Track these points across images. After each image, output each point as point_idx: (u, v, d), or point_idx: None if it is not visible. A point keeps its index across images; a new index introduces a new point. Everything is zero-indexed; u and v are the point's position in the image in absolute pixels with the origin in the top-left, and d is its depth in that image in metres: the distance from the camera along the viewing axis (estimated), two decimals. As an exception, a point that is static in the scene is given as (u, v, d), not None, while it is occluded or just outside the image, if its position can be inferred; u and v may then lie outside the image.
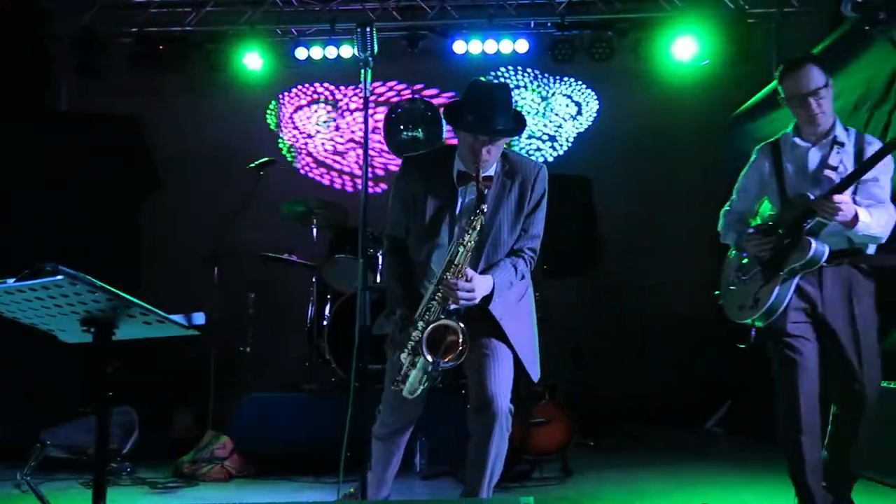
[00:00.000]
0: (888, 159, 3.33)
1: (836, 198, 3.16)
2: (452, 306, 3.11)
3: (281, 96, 8.06)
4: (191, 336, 6.48)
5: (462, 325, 3.04)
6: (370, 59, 2.90)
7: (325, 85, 8.04)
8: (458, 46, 7.35)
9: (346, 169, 8.06)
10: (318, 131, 8.04)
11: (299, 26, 7.53)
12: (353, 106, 8.05)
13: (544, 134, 8.03)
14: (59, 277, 1.84)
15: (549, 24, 7.42)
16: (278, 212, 6.29)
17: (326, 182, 8.03)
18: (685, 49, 7.14)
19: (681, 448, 6.11)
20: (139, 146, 7.60)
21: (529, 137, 8.00)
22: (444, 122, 7.54)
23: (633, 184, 7.50)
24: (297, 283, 6.61)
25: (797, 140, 3.46)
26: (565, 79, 8.02)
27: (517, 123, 3.23)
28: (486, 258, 3.24)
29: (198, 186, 7.57)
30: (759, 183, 3.58)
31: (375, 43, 2.89)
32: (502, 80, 8.04)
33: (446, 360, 3.00)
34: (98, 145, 7.20)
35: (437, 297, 3.12)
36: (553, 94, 8.07)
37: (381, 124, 7.73)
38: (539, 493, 4.69)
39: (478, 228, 3.09)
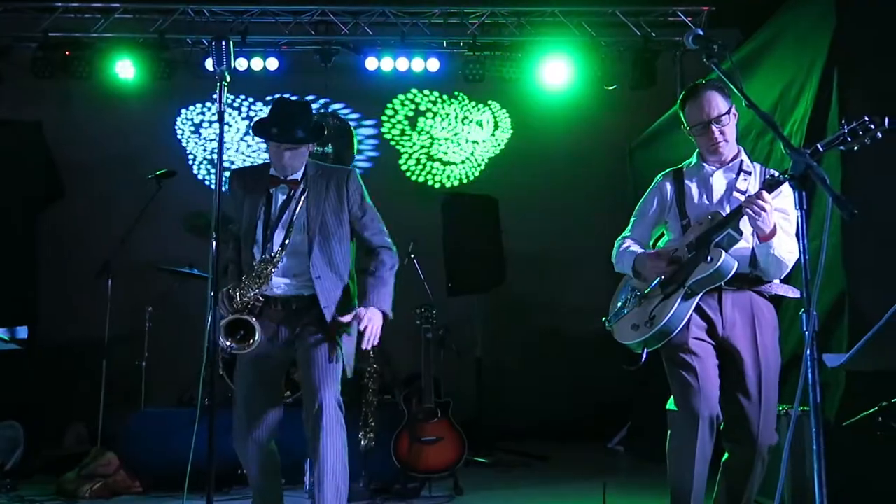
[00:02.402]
0: (792, 197, 3.11)
1: (765, 195, 3.03)
2: (251, 293, 3.41)
3: (187, 108, 7.96)
4: (85, 349, 6.31)
5: (254, 320, 3.35)
6: (226, 73, 2.88)
7: (231, 97, 7.98)
8: (371, 63, 7.36)
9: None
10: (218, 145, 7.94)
11: (210, 37, 7.44)
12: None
13: (454, 154, 8.09)
14: None
15: (461, 44, 7.47)
16: (180, 224, 6.20)
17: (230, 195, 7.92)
18: (556, 74, 7.33)
19: (579, 466, 6.18)
20: (41, 153, 7.43)
21: (429, 164, 8.06)
22: (355, 137, 7.54)
23: (540, 203, 7.59)
24: (197, 297, 6.50)
25: (702, 164, 3.38)
26: (476, 99, 8.10)
27: (315, 133, 3.57)
28: (319, 245, 3.49)
29: (99, 196, 7.42)
30: (659, 207, 3.48)
31: (232, 57, 2.86)
32: (414, 98, 8.11)
33: (235, 345, 3.35)
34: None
35: (247, 289, 3.43)
36: (464, 114, 8.13)
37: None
38: (425, 512, 4.70)
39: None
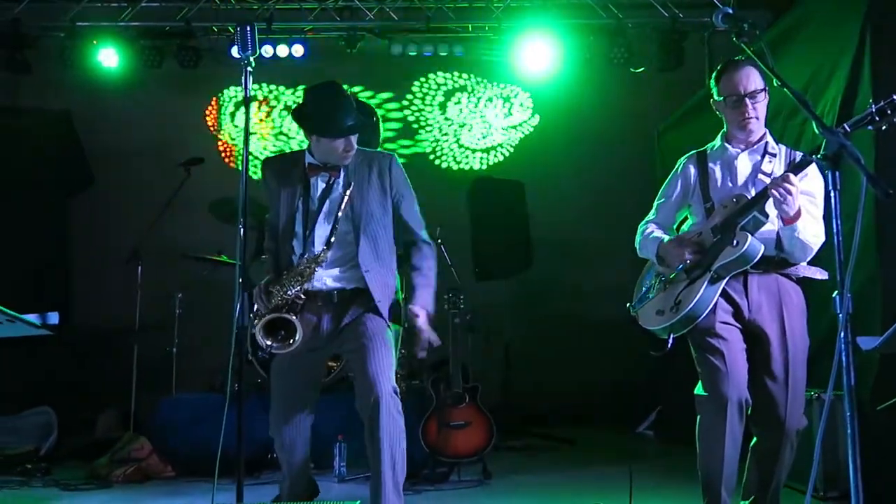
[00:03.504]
0: (820, 180, 3.18)
1: (791, 178, 3.00)
2: (292, 291, 3.31)
3: (213, 94, 7.99)
4: (117, 336, 6.41)
5: (295, 318, 3.27)
6: (251, 59, 2.86)
7: (259, 84, 8.01)
8: (396, 48, 7.34)
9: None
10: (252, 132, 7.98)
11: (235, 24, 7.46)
12: (291, 105, 8.03)
13: (481, 138, 8.06)
14: None
15: (486, 28, 7.43)
16: (207, 210, 6.25)
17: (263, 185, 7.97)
18: (583, 56, 7.25)
19: (608, 451, 6.17)
20: (71, 142, 7.51)
21: (455, 149, 8.04)
22: (381, 123, 7.53)
23: (566, 189, 7.54)
24: (226, 283, 6.56)
25: (727, 145, 3.35)
26: (503, 83, 8.06)
27: (364, 116, 3.54)
28: (366, 236, 3.42)
29: (129, 183, 7.48)
30: (682, 190, 3.44)
31: (257, 43, 2.86)
32: (439, 82, 8.08)
33: (275, 344, 3.28)
34: (29, 140, 7.11)
35: (287, 286, 3.33)
36: (490, 99, 8.10)
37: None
38: (453, 496, 4.70)
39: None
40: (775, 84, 2.61)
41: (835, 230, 2.38)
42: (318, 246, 3.40)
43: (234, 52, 7.17)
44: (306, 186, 3.46)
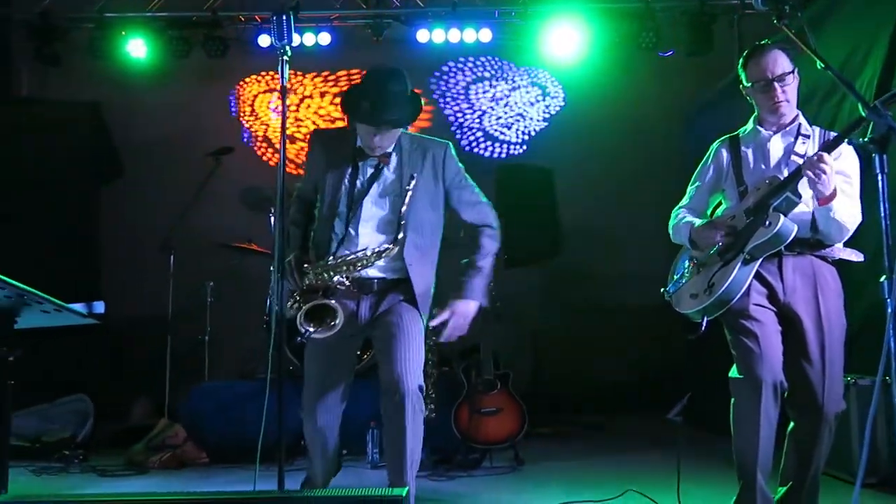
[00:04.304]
0: (855, 160, 3.21)
1: (825, 157, 2.97)
2: (339, 287, 3.26)
3: (241, 83, 8.02)
4: (149, 325, 6.46)
5: (334, 302, 3.19)
6: (288, 48, 2.85)
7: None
8: (422, 35, 7.32)
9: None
10: (273, 119, 8.02)
11: (263, 13, 7.48)
12: (316, 93, 8.04)
13: (508, 124, 8.04)
14: (-56, 266, 1.83)
15: (513, 13, 7.40)
16: (237, 199, 6.28)
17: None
18: (610, 41, 7.20)
19: (639, 438, 6.16)
20: (101, 133, 7.57)
21: (483, 135, 8.02)
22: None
23: (595, 174, 7.49)
24: (256, 272, 6.60)
25: (759, 128, 3.34)
26: (530, 68, 8.03)
27: (410, 113, 3.32)
28: (412, 229, 3.33)
29: (159, 174, 7.52)
30: (715, 175, 3.43)
31: (293, 31, 2.85)
32: (466, 69, 8.06)
33: (316, 329, 3.20)
34: (59, 132, 7.18)
35: (325, 274, 3.27)
36: (518, 85, 8.07)
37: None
38: (487, 482, 4.72)
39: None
40: (819, 66, 2.58)
41: (882, 214, 2.35)
42: (362, 230, 3.33)
43: (265, 41, 7.31)
44: (355, 166, 3.37)
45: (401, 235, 3.28)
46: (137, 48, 7.27)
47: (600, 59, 7.47)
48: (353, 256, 3.28)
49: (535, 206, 6.80)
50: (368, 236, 3.34)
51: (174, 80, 7.62)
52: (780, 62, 3.21)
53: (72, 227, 7.13)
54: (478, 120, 8.07)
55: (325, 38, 7.41)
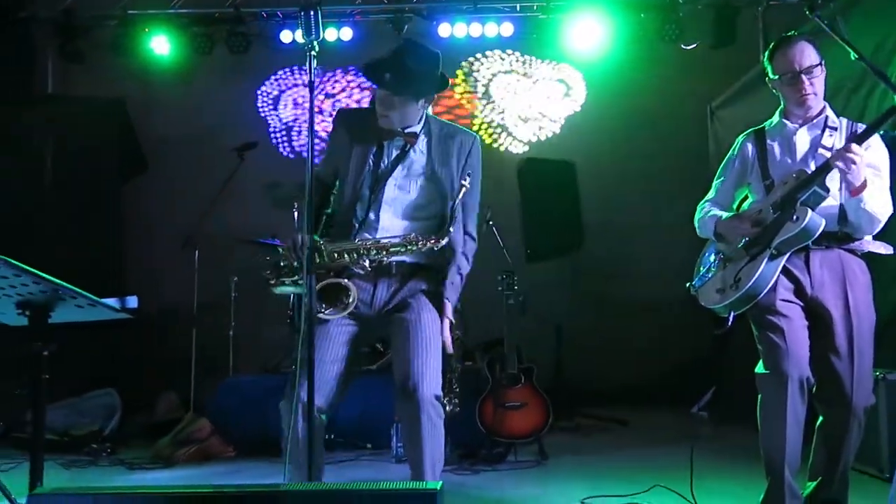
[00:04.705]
0: (885, 153, 3.18)
1: (855, 148, 2.95)
2: (359, 270, 3.09)
3: (265, 80, 8.06)
4: (175, 320, 6.49)
5: (346, 281, 3.05)
6: (316, 43, 2.84)
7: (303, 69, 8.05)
8: (443, 30, 7.33)
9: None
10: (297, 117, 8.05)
11: (286, 9, 7.51)
12: (337, 88, 8.06)
13: (531, 118, 8.02)
14: (-18, 261, 1.85)
15: (534, 7, 7.38)
16: (261, 195, 6.31)
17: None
18: (632, 34, 7.15)
19: (663, 432, 6.14)
20: (125, 129, 7.63)
21: (505, 130, 8.00)
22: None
23: (618, 168, 7.48)
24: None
25: (785, 121, 3.31)
26: (552, 62, 8.00)
27: (435, 85, 3.20)
28: (431, 209, 3.21)
29: (182, 169, 7.58)
30: (741, 168, 3.41)
31: (321, 26, 2.84)
32: (487, 63, 8.05)
33: (329, 309, 3.04)
34: (83, 129, 7.23)
35: (347, 255, 3.08)
36: (540, 79, 8.05)
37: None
38: (512, 476, 4.72)
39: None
40: (852, 57, 2.56)
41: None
42: (383, 214, 3.18)
43: (288, 36, 7.33)
44: (380, 146, 3.21)
45: (452, 228, 3.10)
46: (161, 45, 7.33)
47: (623, 53, 7.44)
48: (386, 241, 3.10)
49: (557, 201, 6.78)
50: (389, 220, 3.19)
51: (197, 76, 7.66)
52: (808, 54, 3.17)
53: (96, 222, 7.19)
54: (500, 114, 8.05)
55: (346, 34, 7.43)
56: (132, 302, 2.30)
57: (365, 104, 7.79)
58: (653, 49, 7.29)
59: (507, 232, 6.28)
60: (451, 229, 3.11)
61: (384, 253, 3.09)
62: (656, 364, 7.27)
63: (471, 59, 8.07)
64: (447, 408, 5.07)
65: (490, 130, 8.04)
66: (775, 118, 3.38)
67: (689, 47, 7.14)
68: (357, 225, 3.19)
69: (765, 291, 3.12)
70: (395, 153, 3.21)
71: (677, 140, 7.29)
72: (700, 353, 6.64)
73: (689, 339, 6.73)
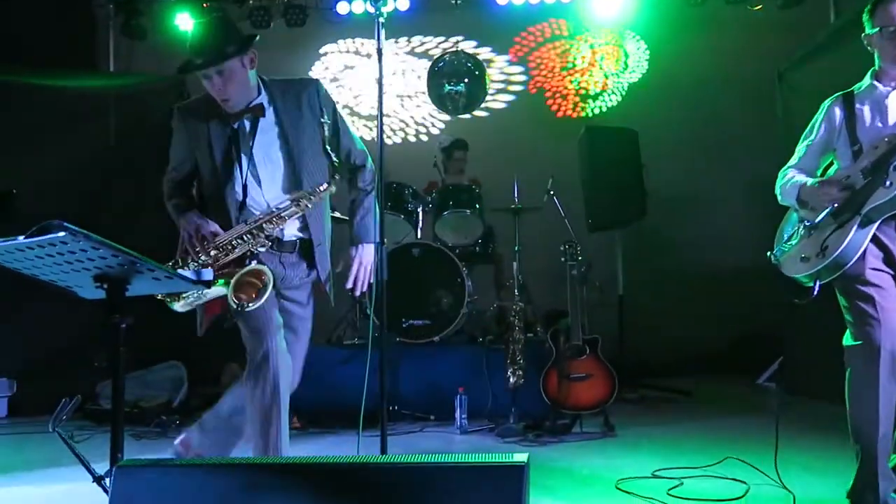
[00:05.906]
0: None
1: None
2: (259, 248, 3.10)
3: (324, 52, 8.05)
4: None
5: (267, 268, 3.05)
6: (383, 11, 2.80)
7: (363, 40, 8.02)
8: (501, -3, 7.25)
9: (392, 124, 8.05)
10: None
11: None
12: (397, 60, 8.03)
13: (592, 85, 7.89)
14: (62, 234, 1.86)
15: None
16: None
17: (368, 137, 8.04)
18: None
19: (729, 403, 6.05)
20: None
21: (566, 97, 7.88)
22: (486, 76, 7.46)
23: (681, 136, 7.32)
24: (341, 240, 6.65)
25: (876, 84, 3.18)
26: (613, 28, 7.84)
27: (242, 43, 3.17)
28: (307, 176, 3.19)
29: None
30: (827, 134, 3.28)
31: (387, -6, 2.81)
32: (546, 29, 7.92)
33: (248, 303, 3.04)
34: (146, 105, 7.31)
35: (245, 237, 3.09)
36: (601, 44, 7.89)
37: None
38: (579, 448, 4.68)
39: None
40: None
41: None
42: (263, 188, 3.18)
43: (344, 8, 7.31)
44: (234, 130, 3.17)
45: (337, 176, 3.15)
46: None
47: (686, 16, 7.27)
48: (264, 216, 3.10)
49: (620, 169, 6.62)
50: (270, 193, 3.19)
51: (256, 50, 7.65)
52: None
53: (158, 197, 7.26)
54: (560, 81, 7.93)
55: (403, 4, 7.38)
56: (207, 274, 2.32)
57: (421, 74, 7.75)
58: (718, 11, 7.10)
59: (569, 201, 6.21)
60: (337, 176, 3.12)
61: (280, 222, 3.10)
62: (719, 334, 7.16)
63: (529, 28, 7.93)
64: (512, 379, 5.06)
65: (551, 99, 7.93)
66: (866, 80, 3.24)
67: (756, 8, 6.93)
68: (238, 210, 3.18)
69: (853, 260, 3.02)
70: (248, 129, 3.18)
71: (743, 105, 7.11)
72: (764, 323, 6.51)
73: (754, 309, 6.61)
